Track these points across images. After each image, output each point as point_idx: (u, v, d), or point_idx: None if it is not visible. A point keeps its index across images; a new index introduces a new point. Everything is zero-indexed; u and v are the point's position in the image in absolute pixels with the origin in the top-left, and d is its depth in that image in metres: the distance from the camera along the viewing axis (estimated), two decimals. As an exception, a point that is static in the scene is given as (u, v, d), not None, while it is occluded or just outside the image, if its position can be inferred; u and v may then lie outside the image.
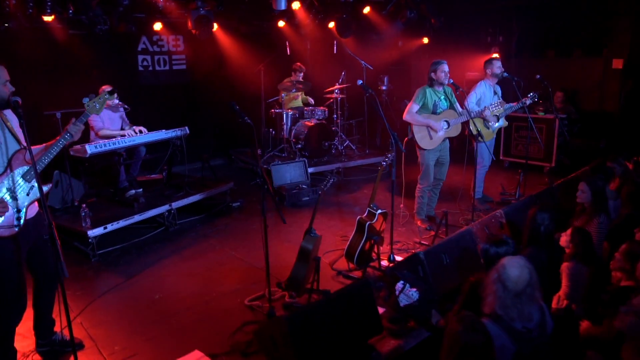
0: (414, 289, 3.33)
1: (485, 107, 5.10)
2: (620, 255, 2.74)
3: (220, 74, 7.74)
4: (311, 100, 7.72)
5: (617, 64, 7.62)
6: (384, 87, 9.06)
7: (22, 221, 2.54)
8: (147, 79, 7.42)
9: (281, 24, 7.59)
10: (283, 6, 5.57)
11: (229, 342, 3.09)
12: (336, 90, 7.43)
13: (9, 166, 2.51)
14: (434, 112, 4.78)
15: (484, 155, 5.52)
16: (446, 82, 4.72)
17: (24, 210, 2.56)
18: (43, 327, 2.97)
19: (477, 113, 5.01)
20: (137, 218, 4.84)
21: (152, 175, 6.19)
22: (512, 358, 2.28)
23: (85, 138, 5.25)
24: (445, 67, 4.70)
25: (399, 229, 4.92)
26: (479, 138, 4.99)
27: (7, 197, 2.50)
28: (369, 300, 2.93)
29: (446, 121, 4.76)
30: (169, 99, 7.60)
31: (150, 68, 7.46)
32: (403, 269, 3.54)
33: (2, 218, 2.47)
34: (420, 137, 4.77)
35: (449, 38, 9.52)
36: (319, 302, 3.08)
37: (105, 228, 4.52)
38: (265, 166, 6.37)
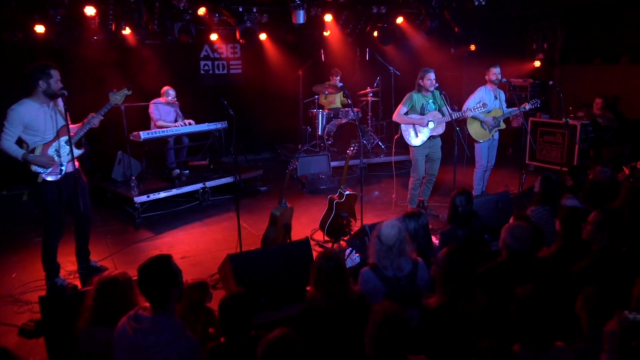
0: (357, 255, 4.06)
1: (467, 108, 5.57)
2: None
3: (269, 77, 8.84)
4: (349, 102, 8.51)
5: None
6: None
7: (63, 173, 3.73)
8: (207, 81, 8.74)
9: (326, 33, 8.52)
10: (302, 20, 6.48)
11: (207, 279, 4.07)
12: (370, 93, 8.17)
13: (57, 135, 3.72)
14: (422, 114, 5.39)
15: (481, 155, 5.96)
16: (432, 88, 5.31)
17: (65, 165, 3.75)
18: (81, 255, 4.17)
19: (459, 114, 5.51)
20: (174, 192, 6.04)
21: (201, 162, 7.43)
22: (383, 297, 2.96)
23: (146, 126, 6.62)
24: (432, 75, 5.30)
25: (391, 216, 5.57)
26: (476, 138, 5.53)
27: (55, 155, 3.70)
28: (308, 254, 3.73)
29: (430, 121, 5.35)
30: (225, 98, 8.82)
31: (211, 72, 8.78)
32: (356, 239, 4.28)
33: (51, 169, 3.68)
34: (407, 135, 5.41)
35: (495, 44, 9.81)
36: (260, 249, 3.96)
37: (148, 197, 5.77)
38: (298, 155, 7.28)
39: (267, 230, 4.32)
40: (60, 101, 3.76)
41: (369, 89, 8.15)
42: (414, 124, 5.38)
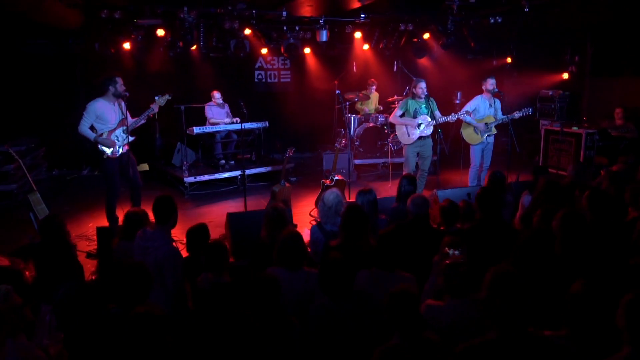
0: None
1: (452, 113, 6.40)
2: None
3: (312, 85, 10.13)
4: (380, 108, 9.56)
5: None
6: (457, 101, 10.32)
7: (119, 153, 5.25)
8: (260, 88, 10.24)
9: (365, 47, 9.66)
10: (324, 38, 7.67)
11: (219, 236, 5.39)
12: (397, 100, 9.15)
13: (118, 125, 5.25)
14: (415, 117, 6.34)
15: (475, 156, 6.74)
16: (423, 95, 6.24)
17: (121, 147, 5.26)
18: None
19: (444, 120, 6.35)
20: (217, 176, 7.51)
21: (246, 155, 8.87)
22: (322, 245, 4.05)
23: (203, 123, 8.16)
24: (422, 85, 6.24)
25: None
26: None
27: (115, 139, 5.23)
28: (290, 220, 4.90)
29: (419, 123, 6.28)
30: (276, 103, 10.26)
31: (263, 80, 10.27)
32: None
33: (112, 149, 5.21)
34: (400, 134, 6.39)
35: (531, 57, 10.33)
36: (252, 211, 5.20)
37: (195, 178, 7.29)
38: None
39: (269, 204, 5.56)
40: (122, 102, 5.29)
41: (395, 97, 9.13)
42: (406, 126, 6.35)
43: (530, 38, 10.16)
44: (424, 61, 9.98)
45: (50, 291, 2.93)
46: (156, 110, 5.48)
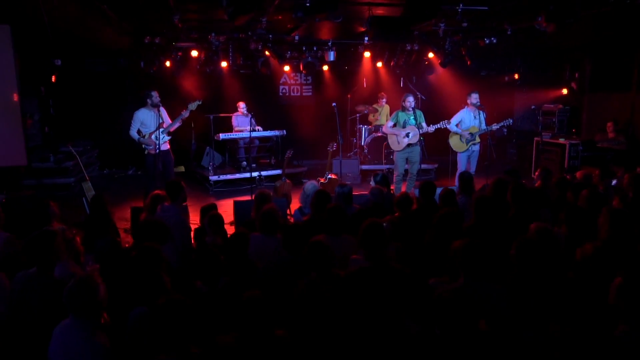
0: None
1: (431, 125, 7.26)
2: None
3: (329, 99, 11.21)
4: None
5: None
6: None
7: (158, 150, 6.52)
8: (284, 101, 11.44)
9: (379, 64, 10.68)
10: (332, 58, 8.73)
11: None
12: (367, 109, 10.11)
13: (157, 128, 6.52)
14: (404, 127, 7.27)
15: (461, 163, 7.57)
16: (411, 108, 7.18)
17: (160, 145, 6.53)
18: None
19: (425, 130, 7.22)
20: (237, 176, 8.71)
21: (265, 160, 10.03)
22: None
23: (230, 130, 9.40)
24: (410, 99, 7.18)
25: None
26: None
27: (155, 139, 6.50)
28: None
29: (407, 133, 7.22)
30: (297, 114, 11.41)
31: (287, 94, 11.48)
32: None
33: (152, 146, 6.48)
34: (391, 142, 7.35)
35: (536, 73, 11.02)
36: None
37: (218, 177, 8.51)
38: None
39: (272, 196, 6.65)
40: (161, 108, 6.57)
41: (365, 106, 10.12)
42: (397, 135, 7.30)
43: (533, 56, 10.87)
44: (436, 77, 10.87)
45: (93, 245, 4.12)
46: (186, 115, 6.70)
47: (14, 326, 2.87)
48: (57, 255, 3.06)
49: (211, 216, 4.32)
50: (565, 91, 10.08)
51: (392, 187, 7.22)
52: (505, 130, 11.91)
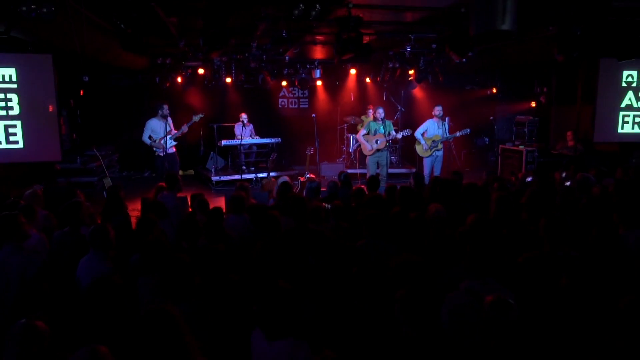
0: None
1: (399, 132, 8.45)
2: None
3: (323, 110, 12.52)
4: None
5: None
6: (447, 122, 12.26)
7: (166, 152, 7.86)
8: (283, 112, 12.76)
9: (368, 80, 11.95)
10: (318, 75, 10.01)
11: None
12: (353, 120, 11.30)
13: (165, 135, 7.89)
14: (374, 135, 8.48)
15: (425, 166, 8.74)
16: (380, 118, 8.39)
17: (167, 149, 7.87)
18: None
19: (392, 137, 8.41)
20: (236, 177, 9.99)
21: (263, 164, 11.34)
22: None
23: (232, 137, 10.74)
24: (380, 110, 8.42)
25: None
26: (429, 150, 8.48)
27: (164, 144, 7.86)
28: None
29: (376, 140, 8.42)
30: (295, 124, 12.70)
31: (286, 106, 12.80)
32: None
33: (160, 150, 7.84)
34: (363, 148, 8.57)
35: (512, 87, 12.13)
36: None
37: (219, 177, 9.83)
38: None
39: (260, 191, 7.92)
40: (169, 118, 7.93)
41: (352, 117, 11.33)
42: (367, 141, 8.51)
43: (508, 72, 11.98)
44: (425, 91, 12.07)
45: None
46: (186, 130, 8.08)
47: (53, 266, 4.16)
48: (83, 219, 4.36)
49: (199, 200, 5.59)
50: (534, 104, 11.15)
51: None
52: (487, 139, 13.05)
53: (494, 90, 12.34)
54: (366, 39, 7.62)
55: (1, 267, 3.35)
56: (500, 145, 10.16)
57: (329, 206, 5.19)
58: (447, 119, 8.75)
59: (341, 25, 4.82)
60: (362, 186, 6.32)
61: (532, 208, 4.58)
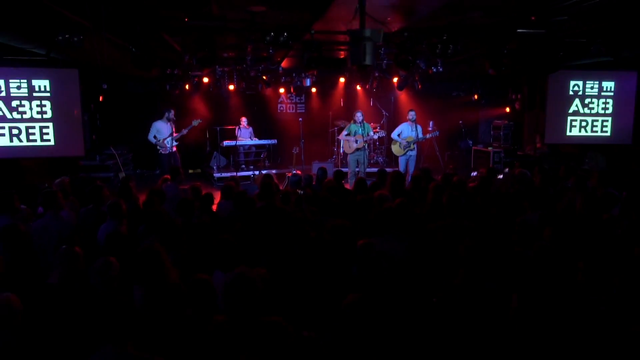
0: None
1: (375, 134, 9.61)
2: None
3: (318, 115, 13.75)
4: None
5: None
6: (429, 128, 13.36)
7: (168, 151, 9.13)
8: (281, 116, 14.01)
9: (358, 88, 13.13)
10: (309, 84, 11.22)
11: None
12: (377, 127, 12.45)
13: (169, 135, 9.17)
14: (354, 136, 9.66)
15: (401, 165, 9.88)
16: (359, 121, 9.56)
17: (170, 148, 9.15)
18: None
19: (369, 138, 9.58)
20: (234, 174, 11.25)
21: (260, 163, 12.58)
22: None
23: (233, 138, 12.02)
24: (359, 114, 9.59)
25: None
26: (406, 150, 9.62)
27: (167, 144, 9.14)
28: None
29: (356, 140, 9.59)
30: (292, 127, 13.93)
31: (284, 111, 14.05)
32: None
33: (163, 149, 9.14)
34: (345, 147, 9.76)
35: (492, 94, 13.21)
36: None
37: (220, 174, 11.09)
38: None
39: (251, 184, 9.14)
40: (172, 122, 9.22)
41: (373, 124, 12.44)
42: (348, 141, 9.69)
43: (487, 81, 13.05)
44: (414, 97, 13.21)
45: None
46: (185, 132, 9.39)
47: (81, 231, 5.42)
48: (103, 199, 5.61)
49: (193, 188, 6.84)
50: (508, 109, 12.21)
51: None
52: (471, 142, 14.09)
53: (475, 96, 13.41)
54: (342, 54, 8.86)
55: (45, 228, 4.61)
56: (473, 147, 11.25)
57: (300, 192, 6.38)
58: (419, 125, 9.90)
59: (305, 46, 6.01)
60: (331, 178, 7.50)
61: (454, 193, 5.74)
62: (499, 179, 8.08)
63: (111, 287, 3.17)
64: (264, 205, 5.43)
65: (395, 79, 12.16)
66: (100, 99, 11.80)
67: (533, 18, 5.14)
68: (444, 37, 5.83)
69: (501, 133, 12.09)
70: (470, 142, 14.20)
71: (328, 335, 2.66)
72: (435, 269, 4.16)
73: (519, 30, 5.48)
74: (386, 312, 2.82)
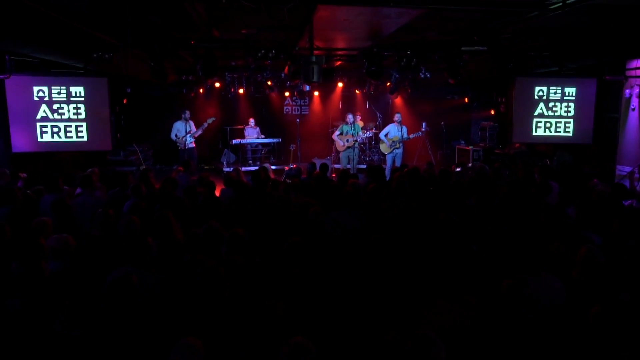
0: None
1: (364, 134, 10.80)
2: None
3: (320, 116, 15.03)
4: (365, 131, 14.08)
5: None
6: (422, 129, 14.51)
7: (186, 147, 10.52)
8: (287, 118, 15.33)
9: (357, 91, 14.35)
10: (307, 88, 12.48)
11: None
12: (373, 127, 13.65)
13: (187, 134, 10.55)
14: (345, 135, 10.88)
15: (388, 161, 11.06)
16: (350, 122, 10.78)
17: (187, 144, 10.53)
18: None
19: (361, 139, 10.79)
20: (244, 169, 12.58)
21: (266, 159, 13.90)
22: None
23: (242, 137, 13.37)
24: (350, 116, 10.83)
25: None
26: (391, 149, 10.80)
27: (186, 140, 10.53)
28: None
29: (347, 139, 10.82)
30: (296, 127, 15.21)
31: (290, 112, 15.36)
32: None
33: (182, 144, 10.52)
34: (337, 145, 10.99)
35: (480, 97, 14.29)
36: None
37: (230, 169, 12.43)
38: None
39: (254, 177, 10.46)
40: (190, 121, 10.59)
41: (369, 123, 13.67)
42: (340, 140, 10.92)
43: (475, 85, 14.14)
44: (412, 100, 14.37)
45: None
46: (200, 131, 10.75)
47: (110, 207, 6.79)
48: (128, 183, 6.97)
49: (200, 177, 8.17)
50: (492, 112, 13.28)
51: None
52: (463, 142, 15.16)
53: (466, 100, 14.51)
54: (337, 63, 10.10)
55: (82, 204, 5.97)
56: (457, 146, 12.37)
57: (289, 181, 7.66)
58: (405, 126, 11.07)
59: (292, 60, 7.29)
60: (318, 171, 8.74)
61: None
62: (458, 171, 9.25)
63: (134, 236, 4.48)
64: (253, 189, 6.72)
65: (388, 84, 13.37)
66: (124, 101, 13.29)
67: (476, 38, 6.30)
68: (408, 52, 7.03)
69: (487, 133, 13.16)
70: (463, 141, 15.29)
71: (278, 264, 3.93)
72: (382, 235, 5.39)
73: (463, 48, 6.65)
74: (319, 254, 4.07)
